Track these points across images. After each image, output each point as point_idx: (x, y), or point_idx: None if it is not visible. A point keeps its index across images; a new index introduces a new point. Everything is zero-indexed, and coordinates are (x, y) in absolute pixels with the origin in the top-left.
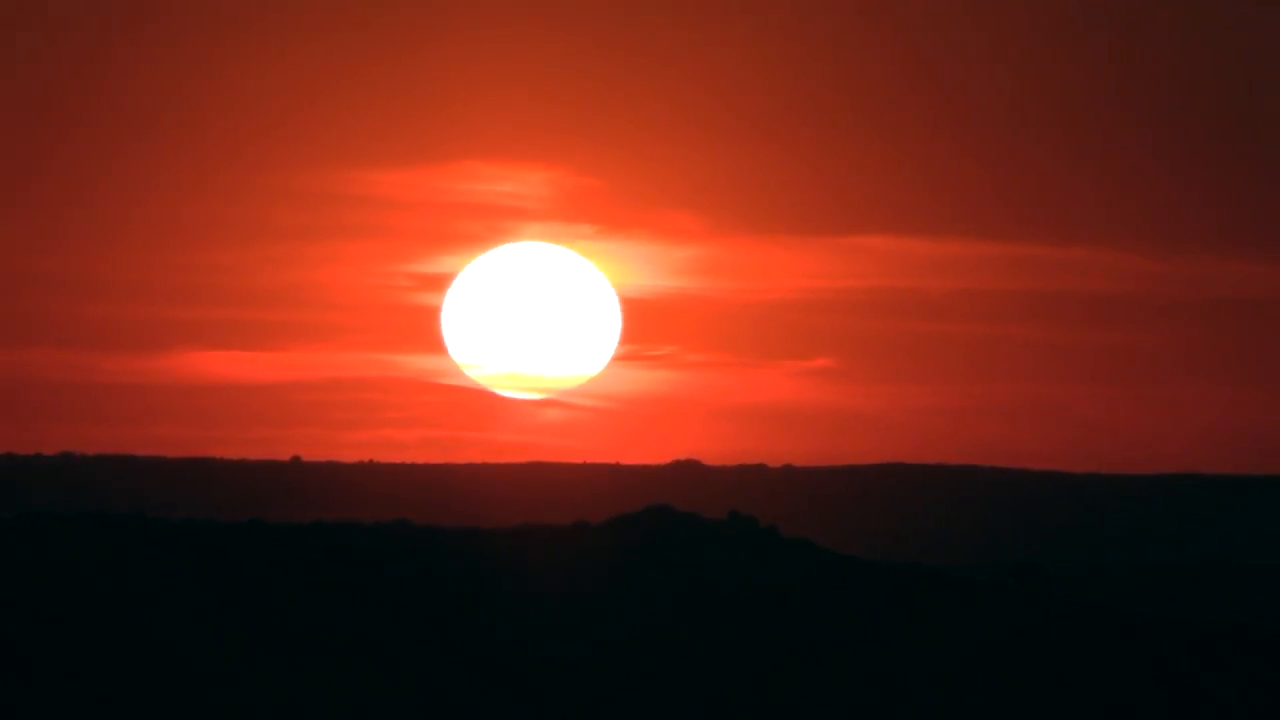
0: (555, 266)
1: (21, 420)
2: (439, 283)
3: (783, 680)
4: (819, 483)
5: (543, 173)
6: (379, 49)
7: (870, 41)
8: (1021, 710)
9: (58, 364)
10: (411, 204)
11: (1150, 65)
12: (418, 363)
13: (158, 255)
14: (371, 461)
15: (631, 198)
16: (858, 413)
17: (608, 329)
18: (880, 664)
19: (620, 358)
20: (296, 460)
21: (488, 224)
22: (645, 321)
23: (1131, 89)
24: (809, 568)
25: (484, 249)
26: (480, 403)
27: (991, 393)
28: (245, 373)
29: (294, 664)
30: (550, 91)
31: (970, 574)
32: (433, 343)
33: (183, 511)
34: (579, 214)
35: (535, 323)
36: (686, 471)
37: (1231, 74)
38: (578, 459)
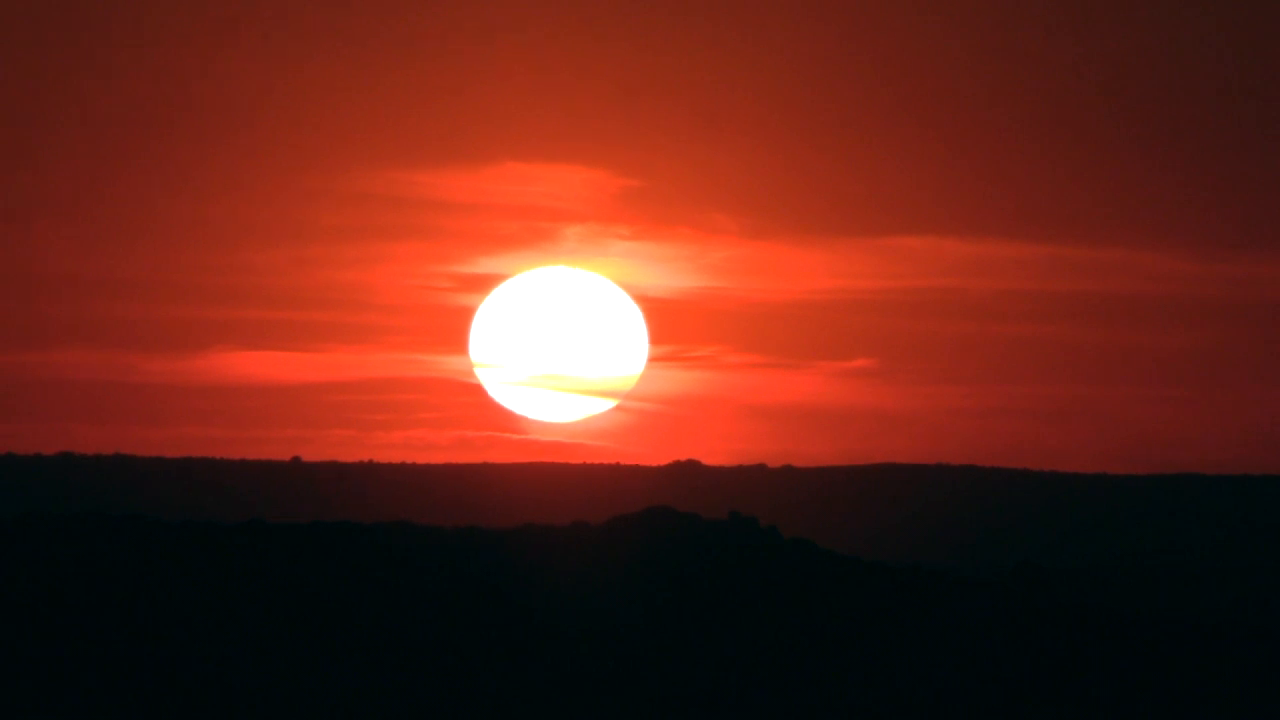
0: (590, 283)
1: (59, 420)
2: (479, 284)
3: (782, 679)
4: (819, 483)
5: (582, 174)
6: (420, 51)
7: (909, 42)
8: (1021, 710)
9: (96, 364)
10: (452, 205)
11: (1188, 66)
12: (456, 364)
13: (198, 255)
14: (371, 461)
15: (670, 199)
16: (897, 413)
17: (642, 335)
18: (880, 663)
19: (660, 359)
20: (296, 460)
21: (527, 225)
22: (685, 323)
23: (1170, 90)
24: (809, 568)
25: (524, 250)
26: (517, 403)
27: (1030, 393)
28: (284, 373)
29: (294, 663)
30: (589, 93)
31: (970, 574)
32: (472, 344)
33: (183, 511)
34: (618, 215)
35: (573, 327)
36: (686, 472)
37: (1270, 74)
38: (581, 459)
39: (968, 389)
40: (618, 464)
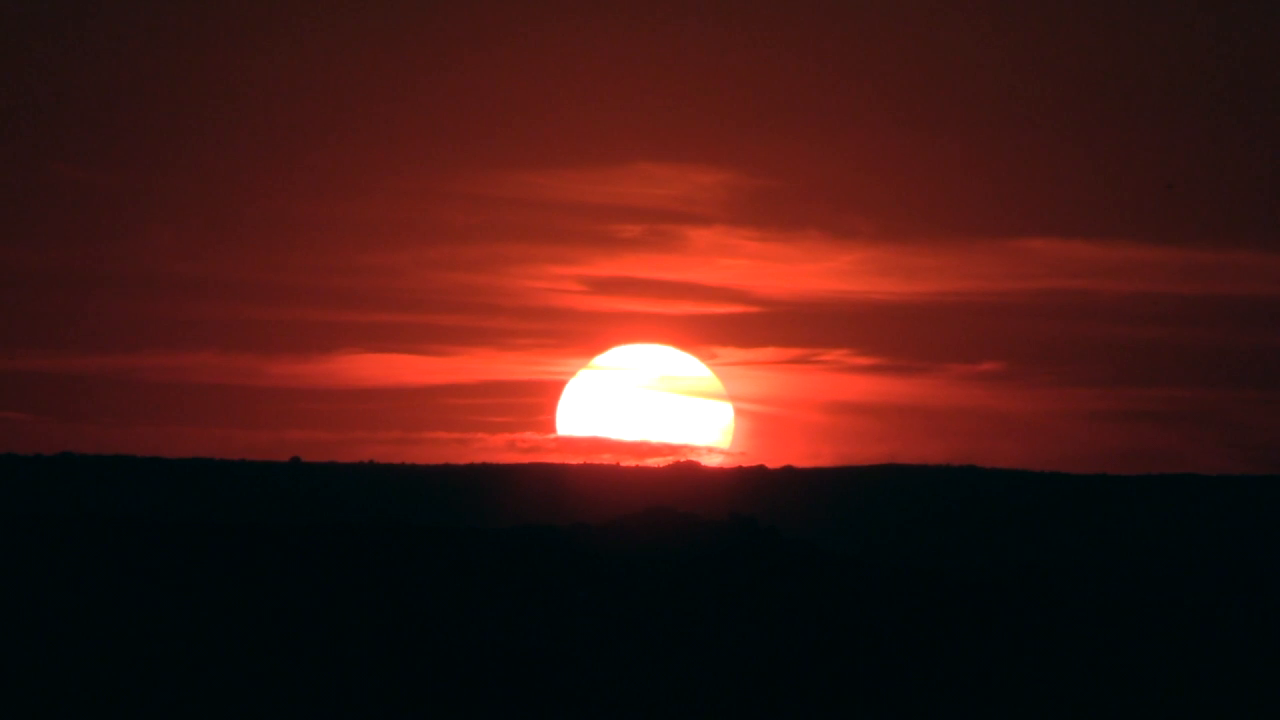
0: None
1: (188, 424)
2: (606, 287)
3: (782, 680)
4: (819, 483)
5: (713, 175)
6: (547, 49)
7: (1038, 43)
8: (1022, 709)
9: (221, 368)
10: (580, 206)
11: None
12: (579, 367)
13: (320, 257)
14: (371, 462)
15: (801, 201)
16: (1023, 416)
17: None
18: (880, 663)
19: (787, 361)
20: (296, 460)
21: (654, 228)
22: (813, 326)
23: None
24: (809, 568)
25: (651, 253)
26: (633, 405)
27: (1160, 397)
28: (406, 376)
29: (294, 663)
30: (722, 94)
31: (970, 574)
32: (598, 346)
33: (182, 511)
34: (749, 217)
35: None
36: (686, 472)
37: None
38: (571, 460)
39: (1096, 392)
40: (618, 464)
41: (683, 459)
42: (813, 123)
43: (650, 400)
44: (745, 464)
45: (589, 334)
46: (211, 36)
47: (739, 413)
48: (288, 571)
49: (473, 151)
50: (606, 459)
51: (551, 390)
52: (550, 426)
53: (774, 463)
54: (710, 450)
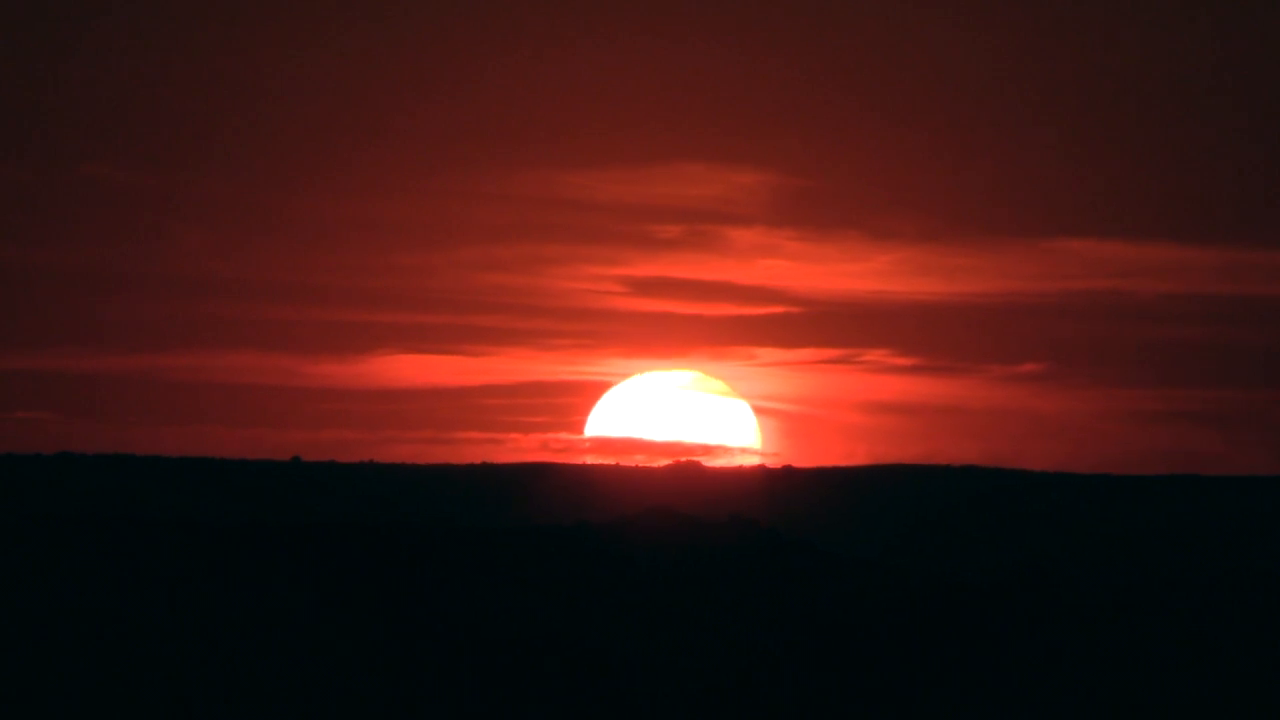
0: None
1: (221, 424)
2: (646, 287)
3: (783, 681)
4: (819, 484)
5: (753, 175)
6: (586, 49)
7: (1074, 41)
8: (1024, 709)
9: (256, 368)
10: (619, 207)
11: None
12: (620, 366)
13: (357, 258)
14: (371, 461)
15: (841, 202)
16: (1063, 417)
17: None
18: (881, 664)
19: (826, 361)
20: (297, 460)
21: (693, 228)
22: (853, 327)
23: None
24: (810, 569)
25: (689, 253)
26: (673, 405)
27: (1201, 398)
28: (445, 376)
29: (294, 663)
30: (762, 93)
31: (971, 575)
32: (636, 347)
33: (183, 511)
34: (789, 217)
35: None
36: (686, 472)
37: None
38: (575, 460)
39: (1137, 393)
40: (618, 464)
41: (684, 459)
42: (852, 123)
43: (684, 401)
44: (748, 465)
45: (628, 335)
46: (244, 37)
47: (776, 413)
48: (288, 572)
49: (510, 151)
50: (640, 459)
51: (590, 391)
52: (586, 427)
53: (806, 463)
54: (744, 450)
